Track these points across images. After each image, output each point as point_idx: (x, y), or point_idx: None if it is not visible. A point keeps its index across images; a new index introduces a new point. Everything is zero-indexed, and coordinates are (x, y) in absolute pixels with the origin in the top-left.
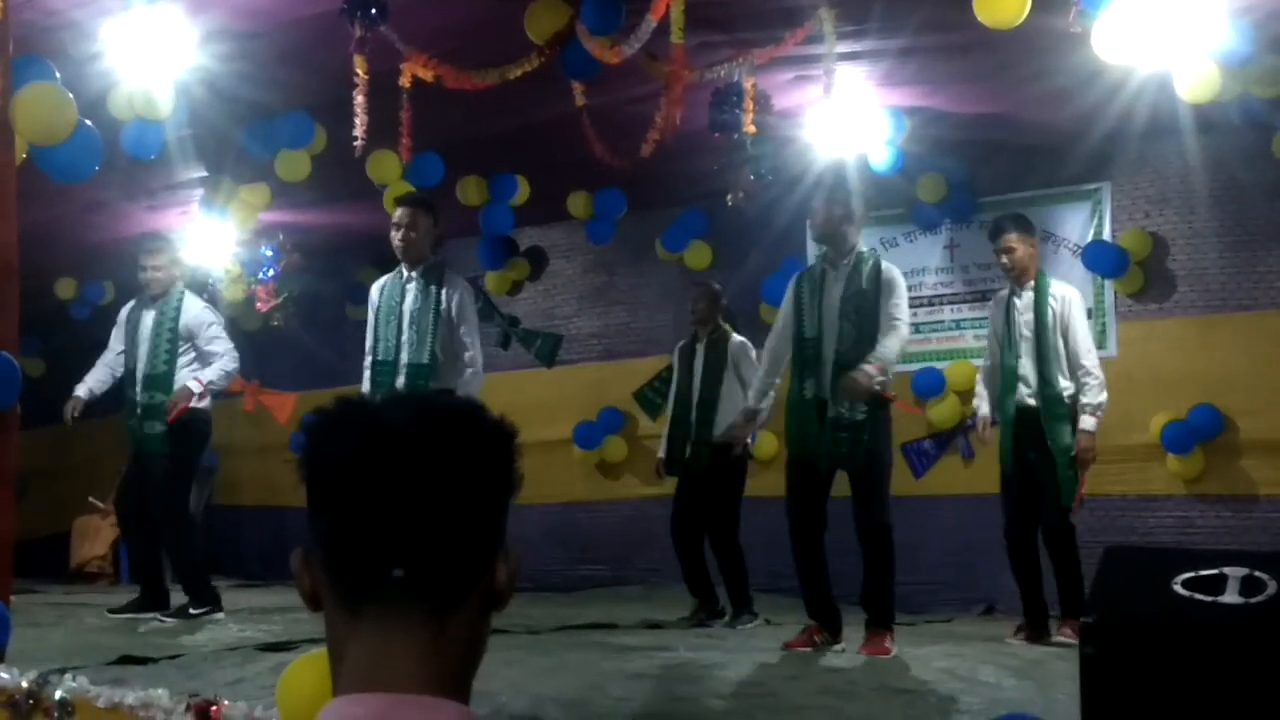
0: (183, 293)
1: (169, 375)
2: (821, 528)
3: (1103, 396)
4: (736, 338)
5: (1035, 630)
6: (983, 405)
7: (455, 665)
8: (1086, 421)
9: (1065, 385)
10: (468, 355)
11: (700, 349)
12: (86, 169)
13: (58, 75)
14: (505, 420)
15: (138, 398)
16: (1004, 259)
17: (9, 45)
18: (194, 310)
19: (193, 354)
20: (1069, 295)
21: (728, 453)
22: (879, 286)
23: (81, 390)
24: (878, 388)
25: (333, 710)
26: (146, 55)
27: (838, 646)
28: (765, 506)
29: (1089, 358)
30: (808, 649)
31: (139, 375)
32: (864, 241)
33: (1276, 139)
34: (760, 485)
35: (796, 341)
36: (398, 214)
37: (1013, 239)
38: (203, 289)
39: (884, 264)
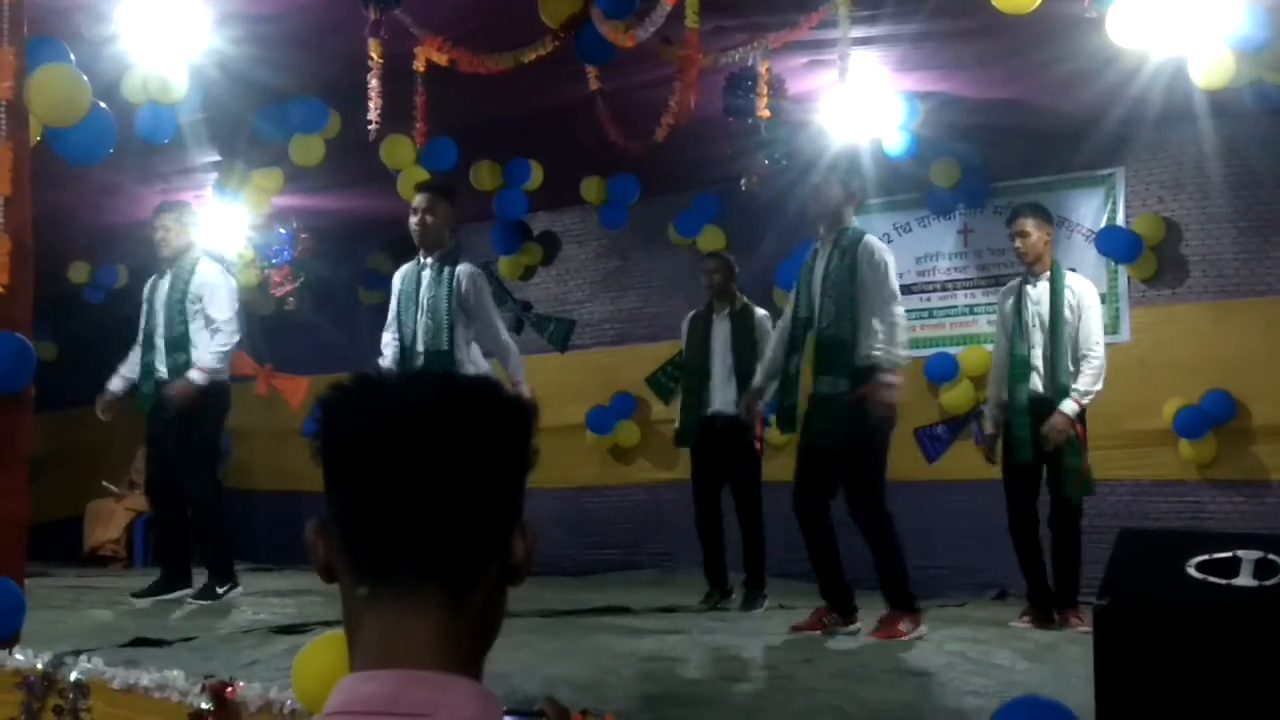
0: (199, 258)
1: (185, 336)
2: (822, 507)
3: (1096, 387)
4: (761, 311)
5: (1041, 615)
6: (988, 422)
7: (470, 642)
8: (1067, 404)
9: (1069, 374)
10: (502, 339)
11: (720, 320)
12: (100, 151)
13: (72, 57)
14: (522, 396)
15: (160, 361)
16: (1018, 243)
17: (23, 26)
18: (205, 274)
19: (203, 317)
20: (1086, 289)
21: (744, 429)
22: (857, 262)
23: (114, 384)
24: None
25: (346, 687)
26: (160, 38)
27: (851, 628)
28: (777, 491)
29: (1097, 347)
30: (815, 631)
31: (160, 341)
32: (877, 226)
33: None
34: (772, 470)
35: (793, 321)
36: (417, 199)
37: (1028, 224)
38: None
39: (866, 239)
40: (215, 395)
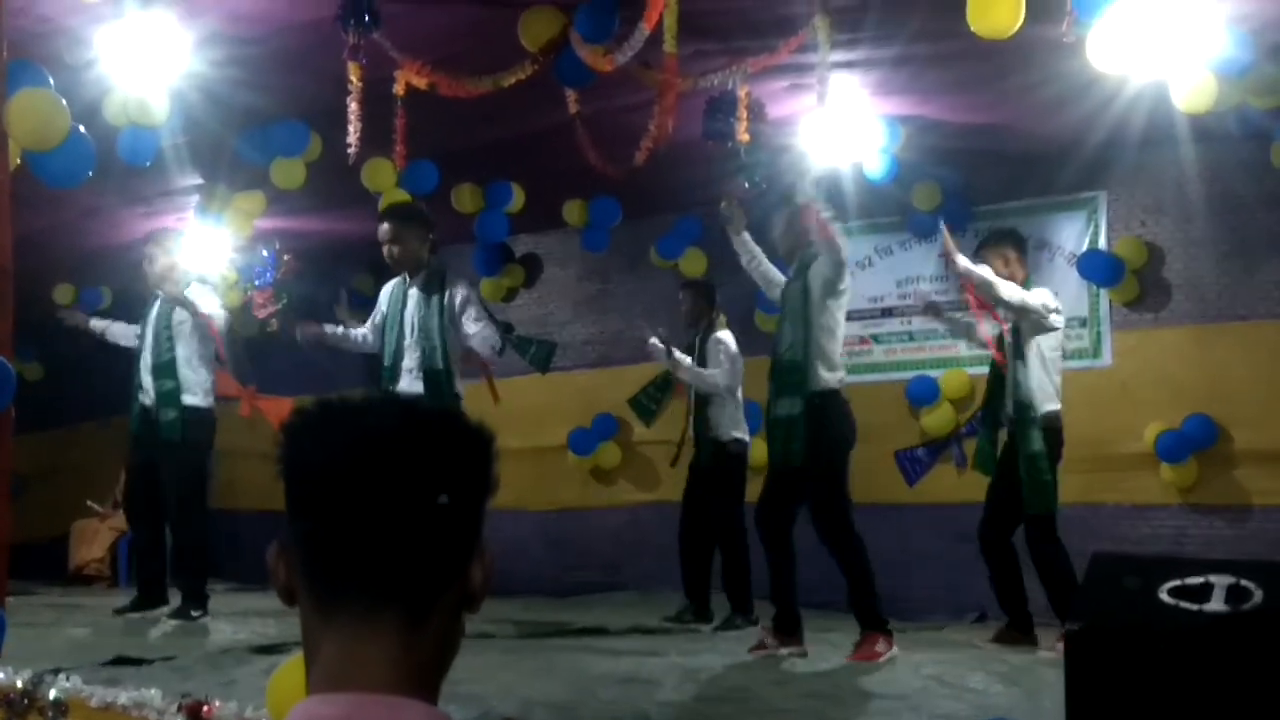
0: (189, 283)
1: (173, 364)
2: (783, 527)
3: (998, 286)
4: (718, 334)
5: (1014, 631)
6: None
7: (426, 666)
8: (960, 257)
9: (1034, 389)
10: (486, 331)
11: (696, 346)
12: (79, 175)
13: (51, 81)
14: (483, 424)
15: (149, 385)
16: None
17: (3, 51)
18: (196, 296)
19: (195, 340)
20: (1034, 296)
21: (725, 453)
22: (808, 281)
23: (96, 321)
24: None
25: (302, 710)
26: (141, 61)
27: (796, 650)
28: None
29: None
30: (762, 651)
31: (148, 364)
32: (859, 249)
33: (1275, 148)
34: (756, 492)
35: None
36: (381, 230)
37: (991, 257)
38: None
39: (819, 255)
40: (208, 422)
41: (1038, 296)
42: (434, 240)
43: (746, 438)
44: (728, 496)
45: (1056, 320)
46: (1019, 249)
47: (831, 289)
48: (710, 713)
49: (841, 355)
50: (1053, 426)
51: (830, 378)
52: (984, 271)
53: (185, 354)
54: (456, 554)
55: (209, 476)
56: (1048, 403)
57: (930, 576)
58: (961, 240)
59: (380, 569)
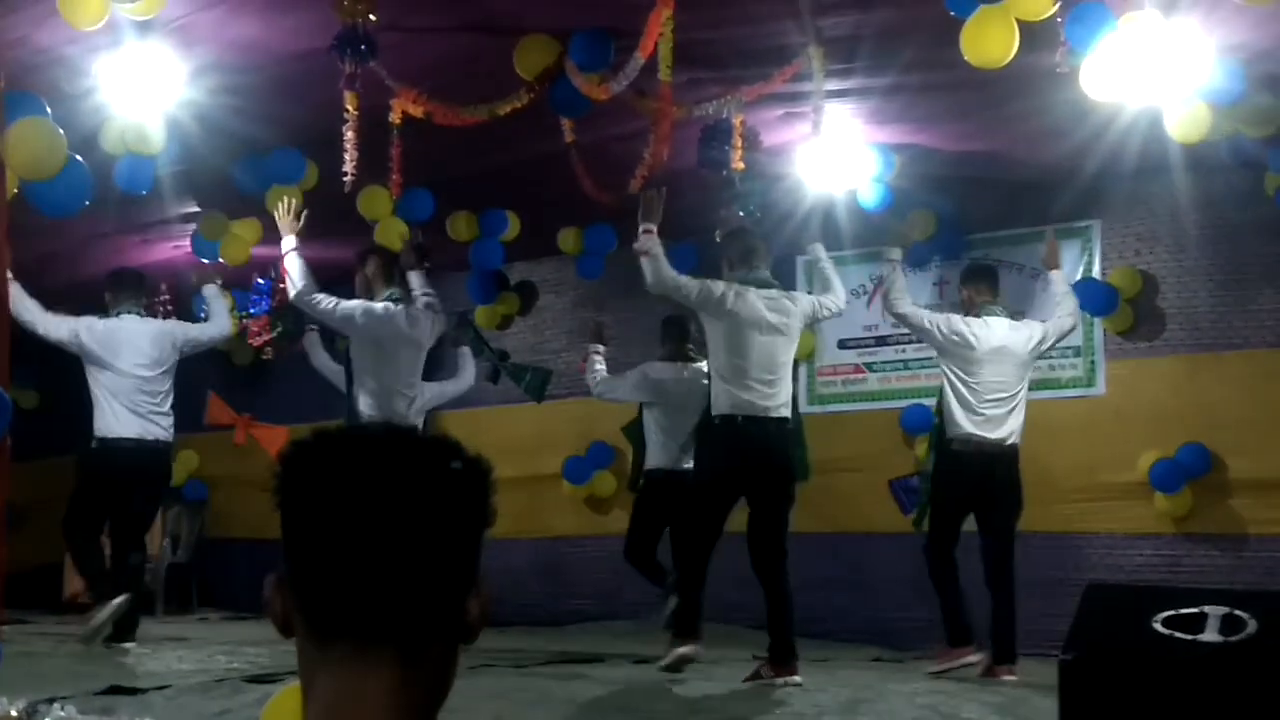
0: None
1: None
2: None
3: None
4: (654, 362)
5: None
6: None
7: (422, 700)
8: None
9: (945, 412)
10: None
11: None
12: (75, 204)
13: (48, 110)
14: (480, 456)
15: None
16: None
17: (0, 81)
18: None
19: (92, 370)
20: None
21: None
22: None
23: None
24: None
25: None
26: (138, 90)
27: (789, 679)
28: (733, 540)
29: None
30: (758, 681)
31: None
32: (853, 277)
33: (1268, 177)
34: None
35: None
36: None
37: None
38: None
39: None
40: (86, 455)
41: (933, 315)
42: (428, 268)
43: (676, 468)
44: (641, 521)
45: (947, 342)
46: (978, 283)
47: (708, 319)
48: None
49: (736, 385)
50: (947, 450)
51: (715, 407)
52: (895, 278)
53: (92, 381)
54: (454, 588)
55: (78, 508)
56: (952, 427)
57: (925, 606)
58: (957, 267)
59: (377, 603)
